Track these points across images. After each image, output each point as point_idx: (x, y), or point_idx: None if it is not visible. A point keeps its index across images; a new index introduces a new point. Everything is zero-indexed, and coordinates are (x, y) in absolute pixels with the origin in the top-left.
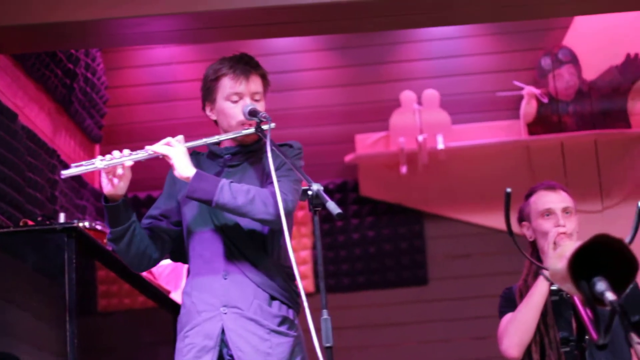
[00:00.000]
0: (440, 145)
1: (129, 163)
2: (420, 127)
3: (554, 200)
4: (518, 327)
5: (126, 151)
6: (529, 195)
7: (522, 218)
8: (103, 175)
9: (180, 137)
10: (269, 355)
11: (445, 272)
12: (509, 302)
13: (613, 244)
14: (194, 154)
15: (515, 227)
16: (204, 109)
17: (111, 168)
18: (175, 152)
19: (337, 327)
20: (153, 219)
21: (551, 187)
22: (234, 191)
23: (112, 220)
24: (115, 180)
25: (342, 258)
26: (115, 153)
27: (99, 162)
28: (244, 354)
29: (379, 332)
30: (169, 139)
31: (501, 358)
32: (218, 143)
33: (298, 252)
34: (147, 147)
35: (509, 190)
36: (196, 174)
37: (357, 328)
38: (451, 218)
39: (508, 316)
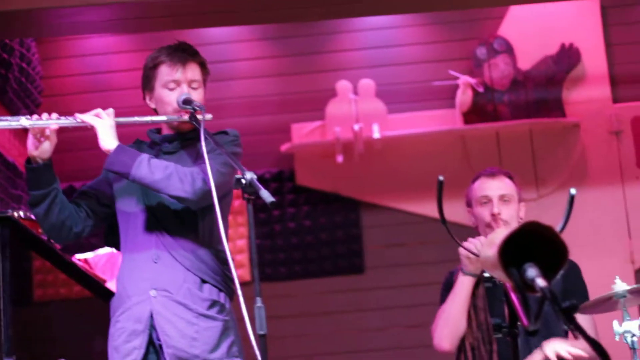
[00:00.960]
0: (376, 135)
1: (54, 127)
2: (356, 116)
3: (491, 187)
4: (446, 320)
5: (54, 115)
6: (473, 181)
7: (467, 203)
8: (30, 135)
9: (111, 111)
10: (195, 340)
11: (381, 260)
12: (448, 289)
13: (543, 231)
14: (137, 142)
15: (465, 213)
16: (144, 98)
17: (39, 129)
18: (102, 123)
19: (274, 315)
20: (82, 193)
21: (491, 174)
22: (152, 166)
23: (32, 182)
24: (42, 140)
25: (278, 247)
26: (43, 115)
27: (24, 120)
28: (170, 338)
29: (315, 320)
30: (99, 110)
31: None
32: (158, 131)
33: (234, 241)
34: (77, 115)
35: (441, 178)
36: (118, 147)
37: (293, 317)
38: (387, 207)
39: (441, 308)
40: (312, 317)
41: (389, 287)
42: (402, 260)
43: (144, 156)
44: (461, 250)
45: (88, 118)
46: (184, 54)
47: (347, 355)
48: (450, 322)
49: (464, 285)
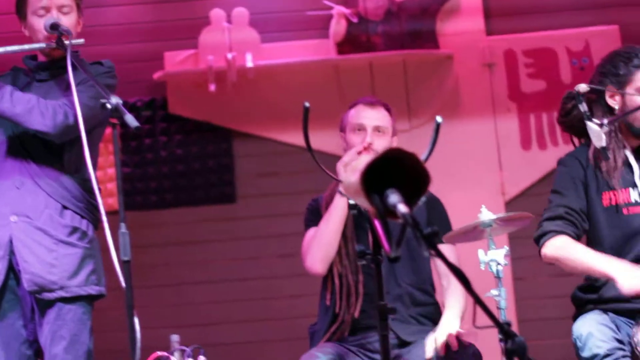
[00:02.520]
0: (249, 64)
1: None
2: (229, 45)
3: (368, 116)
4: (320, 242)
5: None
6: (351, 107)
7: (341, 128)
8: None
9: None
10: (53, 267)
11: (253, 190)
12: (315, 215)
13: (406, 158)
14: (14, 69)
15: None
16: (21, 26)
17: None
18: None
19: (145, 244)
20: None
21: (370, 104)
22: (14, 99)
23: None
24: None
25: (149, 175)
26: None
27: None
28: (28, 264)
29: (186, 249)
30: None
31: (308, 275)
32: (34, 57)
33: (105, 169)
34: None
35: (307, 104)
36: None
37: (164, 245)
38: (259, 136)
39: (311, 231)
40: (184, 246)
41: (261, 217)
42: (274, 189)
43: (7, 89)
44: (339, 167)
45: None
46: None
47: (219, 284)
48: (324, 244)
49: (340, 207)
